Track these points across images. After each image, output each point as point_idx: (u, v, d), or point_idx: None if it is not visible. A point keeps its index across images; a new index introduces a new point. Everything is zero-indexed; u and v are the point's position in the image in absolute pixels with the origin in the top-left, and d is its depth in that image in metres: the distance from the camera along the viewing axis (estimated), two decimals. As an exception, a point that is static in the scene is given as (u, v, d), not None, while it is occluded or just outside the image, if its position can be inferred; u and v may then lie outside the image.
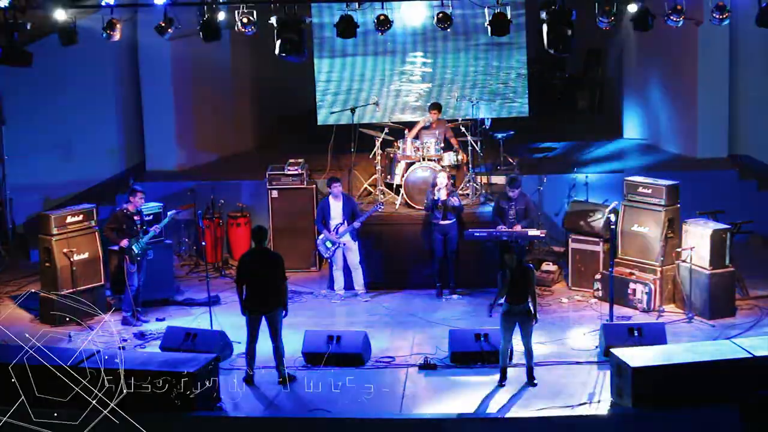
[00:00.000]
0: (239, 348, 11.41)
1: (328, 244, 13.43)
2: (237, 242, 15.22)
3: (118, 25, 12.79)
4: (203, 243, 12.85)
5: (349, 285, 13.71)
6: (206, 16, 13.01)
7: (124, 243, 12.53)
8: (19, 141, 15.72)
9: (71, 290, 12.65)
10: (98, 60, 15.95)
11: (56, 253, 12.77)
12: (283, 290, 10.88)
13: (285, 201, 14.77)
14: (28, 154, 15.83)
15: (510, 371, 10.71)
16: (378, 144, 14.61)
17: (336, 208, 13.47)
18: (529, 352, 10.67)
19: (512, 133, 15.41)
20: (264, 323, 10.79)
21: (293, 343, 11.36)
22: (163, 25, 13.08)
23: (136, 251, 12.61)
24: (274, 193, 14.79)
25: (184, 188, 15.23)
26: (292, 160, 14.97)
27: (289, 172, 14.76)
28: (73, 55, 14.06)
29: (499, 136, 15.26)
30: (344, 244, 13.47)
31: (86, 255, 13.01)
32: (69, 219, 12.97)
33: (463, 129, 14.64)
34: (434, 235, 13.44)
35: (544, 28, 11.92)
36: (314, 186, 14.88)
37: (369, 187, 14.81)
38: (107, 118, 16.85)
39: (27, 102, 15.81)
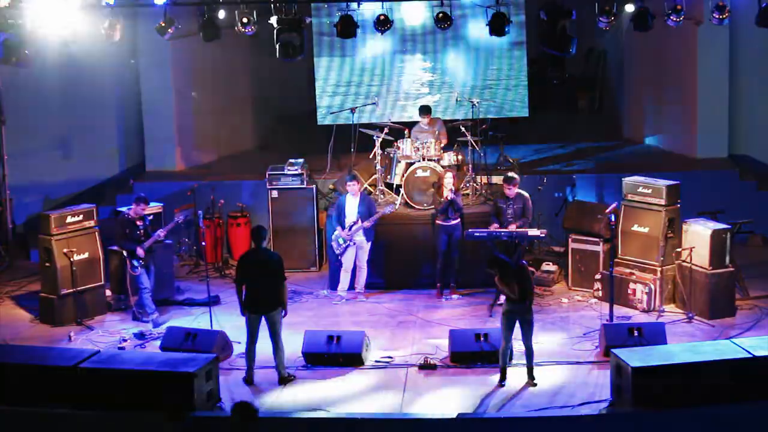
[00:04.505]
0: (239, 348, 11.41)
1: (340, 241, 13.39)
2: (237, 242, 15.21)
3: (118, 25, 12.78)
4: (203, 243, 12.85)
5: (350, 284, 13.68)
6: (206, 16, 13.01)
7: (140, 252, 12.49)
8: (19, 141, 15.70)
9: (71, 290, 12.68)
10: (98, 60, 15.94)
11: (56, 253, 12.75)
12: (283, 290, 10.88)
13: (285, 201, 14.77)
14: (28, 154, 15.82)
15: (510, 371, 10.72)
16: (378, 144, 14.62)
17: (352, 205, 13.41)
18: (529, 352, 10.68)
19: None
20: (264, 323, 10.79)
21: (293, 343, 11.36)
22: (163, 25, 13.07)
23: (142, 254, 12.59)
24: (274, 193, 14.78)
25: (184, 188, 15.23)
26: (292, 160, 14.97)
27: (289, 172, 14.75)
28: (73, 55, 14.05)
29: (499, 136, 15.26)
30: (356, 243, 13.44)
31: (86, 255, 13.00)
32: (69, 219, 12.96)
33: (463, 129, 14.64)
34: (439, 236, 13.42)
35: (544, 28, 11.93)
36: (314, 186, 14.89)
37: (369, 187, 14.81)
38: (107, 118, 16.85)
39: (27, 102, 15.80)
